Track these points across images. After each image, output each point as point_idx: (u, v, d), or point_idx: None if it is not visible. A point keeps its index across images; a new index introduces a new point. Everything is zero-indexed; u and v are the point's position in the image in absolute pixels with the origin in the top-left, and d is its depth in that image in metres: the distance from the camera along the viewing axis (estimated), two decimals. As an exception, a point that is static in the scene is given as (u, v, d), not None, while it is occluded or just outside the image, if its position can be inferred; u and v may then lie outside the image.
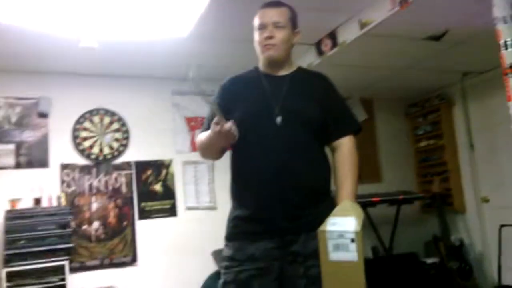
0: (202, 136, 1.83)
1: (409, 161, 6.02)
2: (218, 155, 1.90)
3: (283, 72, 1.89)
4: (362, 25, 3.67)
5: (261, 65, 1.92)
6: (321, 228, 1.58)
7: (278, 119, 1.77)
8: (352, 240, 1.52)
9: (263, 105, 1.81)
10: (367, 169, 5.54)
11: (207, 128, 1.77)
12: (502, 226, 4.56)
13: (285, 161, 1.74)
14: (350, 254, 1.52)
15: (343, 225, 1.56)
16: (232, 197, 1.88)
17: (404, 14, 3.33)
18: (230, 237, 1.83)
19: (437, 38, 3.92)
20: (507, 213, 4.80)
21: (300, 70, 1.95)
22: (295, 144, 1.77)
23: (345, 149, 1.83)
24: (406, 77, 5.02)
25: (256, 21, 1.86)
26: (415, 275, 5.09)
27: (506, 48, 2.69)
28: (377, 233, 4.91)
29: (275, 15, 1.82)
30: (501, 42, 2.70)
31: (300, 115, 1.79)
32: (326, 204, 1.75)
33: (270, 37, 1.81)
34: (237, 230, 1.81)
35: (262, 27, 1.83)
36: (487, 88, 5.02)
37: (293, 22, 1.88)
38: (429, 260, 5.20)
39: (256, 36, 1.86)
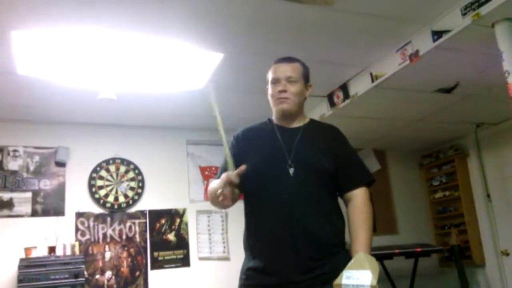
0: (213, 183, 1.85)
1: (425, 213, 5.92)
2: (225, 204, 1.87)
3: (295, 124, 1.93)
4: (374, 78, 3.75)
5: (274, 117, 1.97)
6: (337, 281, 1.56)
7: (291, 170, 1.79)
8: (368, 294, 1.50)
9: (276, 156, 1.83)
10: (382, 221, 5.45)
11: (220, 177, 1.78)
12: (524, 281, 4.41)
13: (298, 212, 1.74)
14: (366, 308, 1.49)
15: (358, 278, 1.53)
16: (245, 248, 1.87)
17: (415, 67, 3.39)
18: (243, 289, 1.81)
19: (448, 90, 3.96)
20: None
21: (312, 122, 1.99)
22: (308, 195, 1.77)
23: (358, 201, 1.81)
24: (418, 128, 5.03)
25: (270, 75, 1.93)
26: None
27: (518, 101, 2.71)
28: (395, 287, 4.76)
29: (288, 70, 1.89)
30: (512, 94, 2.73)
31: (313, 166, 1.81)
32: (341, 256, 1.73)
33: (284, 91, 1.86)
34: (250, 282, 1.79)
35: (276, 81, 1.89)
36: (502, 139, 5.00)
37: (306, 77, 1.94)
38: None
39: (270, 89, 1.92)
